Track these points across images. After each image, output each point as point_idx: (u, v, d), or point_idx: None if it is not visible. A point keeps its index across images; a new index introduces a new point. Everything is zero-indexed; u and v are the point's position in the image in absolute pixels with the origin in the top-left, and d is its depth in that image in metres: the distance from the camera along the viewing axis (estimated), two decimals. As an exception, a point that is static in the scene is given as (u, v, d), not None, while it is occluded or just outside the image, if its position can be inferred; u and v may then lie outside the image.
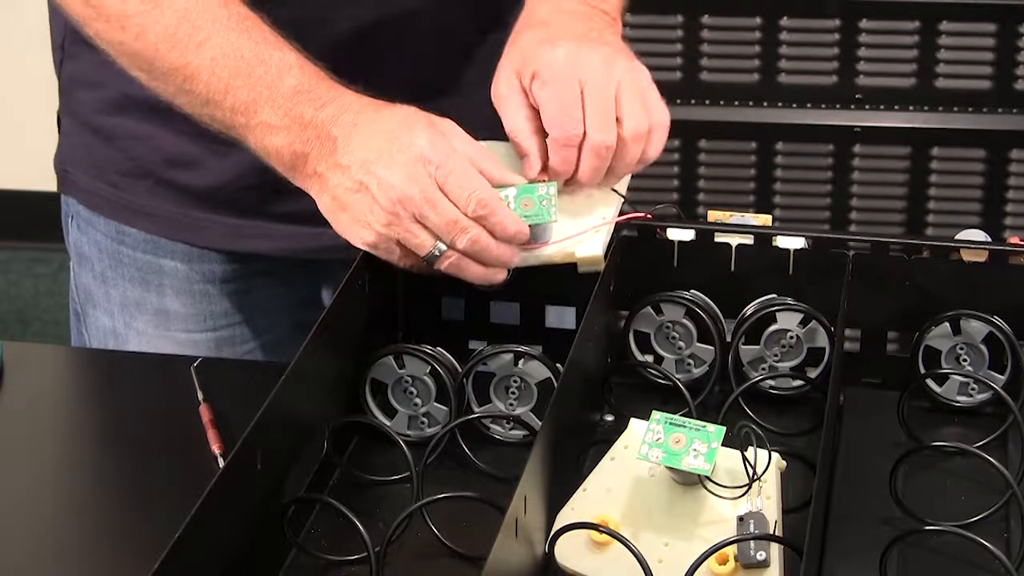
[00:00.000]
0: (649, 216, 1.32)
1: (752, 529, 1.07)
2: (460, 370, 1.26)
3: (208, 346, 1.48)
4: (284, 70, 1.24)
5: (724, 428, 1.09)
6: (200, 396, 1.31)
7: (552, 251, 1.26)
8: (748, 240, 1.31)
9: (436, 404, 1.27)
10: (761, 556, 1.05)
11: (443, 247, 1.21)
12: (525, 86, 1.28)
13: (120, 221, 1.47)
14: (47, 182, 3.78)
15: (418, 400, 1.27)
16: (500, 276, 1.24)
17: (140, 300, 1.48)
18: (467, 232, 1.21)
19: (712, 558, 1.05)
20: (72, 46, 1.43)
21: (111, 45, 1.28)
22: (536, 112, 1.27)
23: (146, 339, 1.48)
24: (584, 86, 1.25)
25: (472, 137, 1.24)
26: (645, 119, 1.27)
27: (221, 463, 1.23)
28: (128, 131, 1.42)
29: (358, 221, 1.21)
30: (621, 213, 1.30)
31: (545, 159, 1.27)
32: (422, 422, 1.27)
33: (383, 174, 1.20)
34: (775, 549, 1.06)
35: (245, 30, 1.25)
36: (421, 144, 1.20)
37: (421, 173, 1.20)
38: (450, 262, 1.22)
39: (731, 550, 1.06)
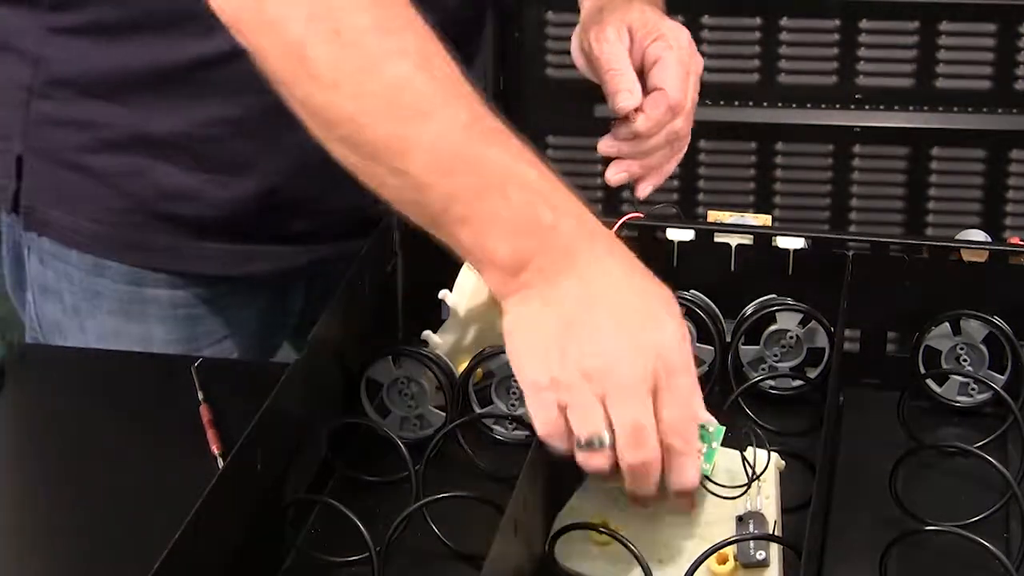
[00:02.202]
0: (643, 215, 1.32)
1: (751, 529, 1.06)
2: (456, 372, 1.26)
3: (202, 351, 1.47)
4: (513, 160, 1.02)
5: (724, 428, 1.09)
6: (200, 396, 1.31)
7: None
8: (748, 240, 1.31)
9: (431, 407, 1.27)
10: (761, 556, 1.05)
11: (607, 439, 1.01)
12: (626, 44, 1.28)
13: (103, 256, 1.43)
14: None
15: (412, 402, 1.27)
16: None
17: (120, 330, 1.46)
18: (644, 448, 1.00)
19: (712, 558, 1.05)
20: (48, 88, 1.37)
21: (317, 108, 1.03)
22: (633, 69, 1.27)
23: None
24: (691, 73, 1.28)
25: None
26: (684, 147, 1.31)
27: (221, 463, 1.23)
28: (122, 168, 1.38)
29: (540, 377, 1.01)
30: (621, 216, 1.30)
31: (641, 102, 1.27)
32: (414, 424, 1.27)
33: (598, 365, 0.99)
34: (774, 549, 1.06)
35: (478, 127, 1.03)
36: (666, 340, 1.01)
37: (647, 364, 1.00)
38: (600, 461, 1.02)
39: (731, 550, 1.06)
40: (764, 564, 1.05)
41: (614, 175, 1.31)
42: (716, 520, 1.09)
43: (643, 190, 1.32)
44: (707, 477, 1.08)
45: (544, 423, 1.01)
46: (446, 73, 1.01)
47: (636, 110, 1.26)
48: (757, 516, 1.07)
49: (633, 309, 1.00)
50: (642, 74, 1.28)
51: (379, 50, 1.00)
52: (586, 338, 0.99)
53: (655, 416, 1.00)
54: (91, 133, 1.38)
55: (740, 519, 1.07)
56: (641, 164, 1.31)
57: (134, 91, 1.34)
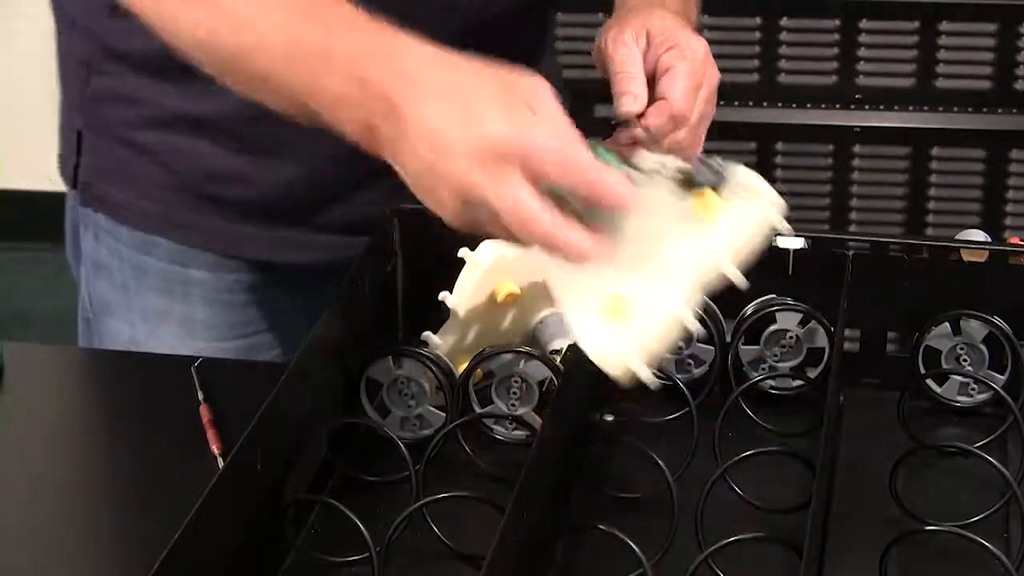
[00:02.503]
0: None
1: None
2: (456, 372, 1.26)
3: (235, 355, 1.47)
4: (349, 31, 1.08)
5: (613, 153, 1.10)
6: (200, 396, 1.31)
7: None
8: (748, 240, 1.31)
9: (430, 407, 1.27)
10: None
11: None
12: (642, 49, 1.27)
13: (152, 233, 1.45)
14: (47, 182, 3.78)
15: (412, 402, 1.27)
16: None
17: (165, 310, 1.47)
18: (531, 222, 1.03)
19: (606, 308, 1.04)
20: (105, 63, 1.40)
21: (170, 23, 1.15)
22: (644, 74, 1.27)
23: (170, 349, 1.47)
24: (702, 86, 1.27)
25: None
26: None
27: (221, 463, 1.23)
28: (169, 146, 1.40)
29: (434, 203, 1.05)
30: None
31: (644, 108, 1.25)
32: (414, 424, 1.27)
33: (447, 150, 1.02)
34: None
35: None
36: (494, 111, 1.02)
37: (509, 175, 1.02)
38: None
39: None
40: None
41: None
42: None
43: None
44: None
45: (466, 227, 1.05)
46: None
47: (639, 116, 1.26)
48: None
49: (466, 103, 1.03)
50: (653, 81, 1.28)
51: None
52: (446, 163, 1.02)
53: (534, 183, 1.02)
54: (140, 110, 1.40)
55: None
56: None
57: (182, 70, 1.34)
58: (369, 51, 1.07)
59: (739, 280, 1.09)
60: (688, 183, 1.11)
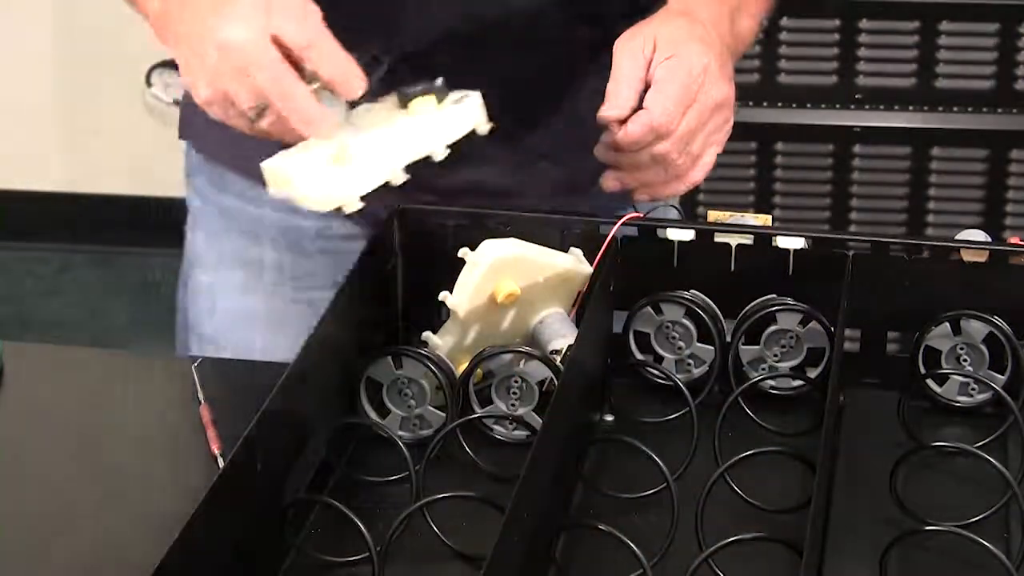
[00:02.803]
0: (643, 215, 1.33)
1: None
2: (456, 372, 1.26)
3: (295, 308, 1.48)
4: None
5: None
6: (200, 396, 1.31)
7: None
8: (748, 240, 1.31)
9: (430, 407, 1.27)
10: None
11: (263, 105, 1.18)
12: (648, 57, 1.27)
13: (223, 164, 1.48)
14: (47, 182, 3.80)
15: (412, 402, 1.27)
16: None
17: (238, 252, 1.50)
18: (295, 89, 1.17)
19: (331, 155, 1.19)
20: None
21: None
22: (645, 77, 1.27)
23: (238, 293, 1.49)
24: (695, 103, 1.27)
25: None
26: (688, 175, 1.30)
27: (221, 463, 1.23)
28: None
29: (195, 76, 1.20)
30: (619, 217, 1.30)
31: (627, 115, 1.26)
32: (415, 424, 1.27)
33: (213, 24, 1.18)
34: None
35: None
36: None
37: (253, 21, 1.17)
38: (273, 121, 1.20)
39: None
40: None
41: (608, 181, 1.32)
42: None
43: (639, 198, 1.32)
44: None
45: (237, 124, 1.21)
46: None
47: (621, 123, 1.26)
48: None
49: (225, 2, 1.18)
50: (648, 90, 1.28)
51: None
52: (208, 41, 1.17)
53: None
54: None
55: None
56: (633, 177, 1.31)
57: None
58: None
59: (440, 152, 1.23)
60: (405, 102, 1.25)
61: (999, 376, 1.28)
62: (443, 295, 1.25)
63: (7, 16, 3.43)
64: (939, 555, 1.12)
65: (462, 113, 1.25)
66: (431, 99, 1.24)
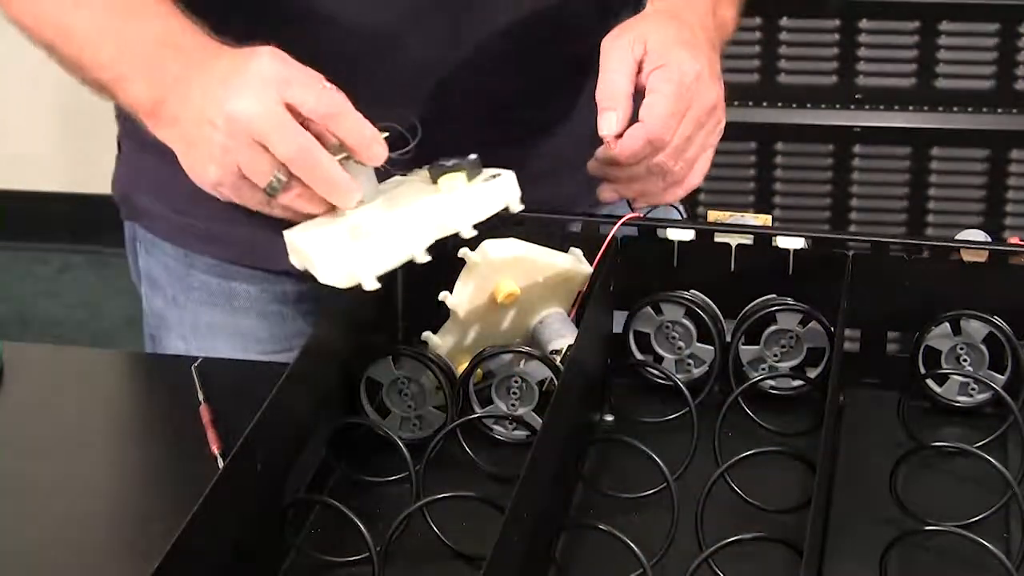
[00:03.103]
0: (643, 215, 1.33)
1: None
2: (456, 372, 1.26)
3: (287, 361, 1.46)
4: (148, 22, 1.21)
5: None
6: (200, 396, 1.31)
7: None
8: (748, 240, 1.31)
9: (430, 408, 1.27)
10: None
11: (283, 178, 1.15)
12: (638, 58, 1.26)
13: (186, 248, 1.44)
14: (48, 182, 3.80)
15: (412, 402, 1.27)
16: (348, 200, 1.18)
17: (213, 323, 1.46)
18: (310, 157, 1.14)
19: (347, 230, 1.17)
20: None
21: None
22: (635, 81, 1.26)
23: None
24: (689, 111, 1.26)
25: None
26: (686, 180, 1.30)
27: (221, 463, 1.23)
28: None
29: (202, 156, 1.16)
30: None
31: (622, 130, 1.26)
32: (414, 424, 1.27)
33: (222, 96, 1.13)
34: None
35: None
36: (264, 63, 1.14)
37: (265, 93, 1.13)
38: (294, 196, 1.17)
39: None
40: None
41: (605, 192, 1.32)
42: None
43: (637, 206, 1.32)
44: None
45: (251, 204, 1.18)
46: None
47: (616, 136, 1.26)
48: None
49: (231, 75, 1.14)
50: (640, 95, 1.27)
51: None
52: (216, 116, 1.13)
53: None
54: None
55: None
56: (630, 188, 1.31)
57: None
58: (164, 39, 1.20)
59: (467, 231, 1.21)
60: (436, 176, 1.23)
61: (999, 376, 1.28)
62: (443, 295, 1.25)
63: (7, 16, 3.43)
64: (939, 555, 1.12)
65: (494, 191, 1.23)
66: (461, 175, 1.22)
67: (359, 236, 1.17)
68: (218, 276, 1.44)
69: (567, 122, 1.41)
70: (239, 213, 1.39)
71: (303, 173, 1.14)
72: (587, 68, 1.31)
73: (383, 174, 1.21)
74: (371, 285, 1.16)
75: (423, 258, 1.19)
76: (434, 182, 1.22)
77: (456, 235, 1.21)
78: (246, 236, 1.40)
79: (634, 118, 1.26)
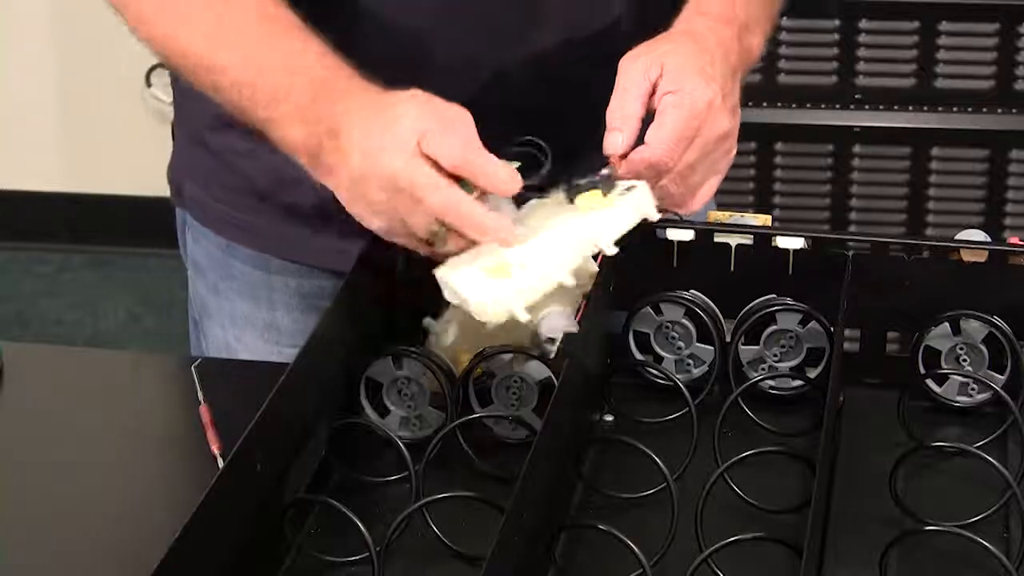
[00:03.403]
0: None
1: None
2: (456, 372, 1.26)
3: None
4: (305, 63, 1.24)
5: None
6: (200, 396, 1.31)
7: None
8: (748, 240, 1.31)
9: (430, 408, 1.27)
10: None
11: (440, 229, 1.19)
12: (652, 80, 1.26)
13: (229, 238, 1.46)
14: (47, 182, 3.80)
15: (412, 403, 1.27)
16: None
17: (250, 315, 1.47)
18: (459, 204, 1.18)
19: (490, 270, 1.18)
20: None
21: (147, 40, 1.30)
22: (647, 103, 1.26)
23: (256, 353, 1.47)
24: (696, 138, 1.26)
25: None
26: (688, 204, 1.29)
27: (221, 463, 1.23)
28: (232, 146, 1.41)
29: (366, 208, 1.20)
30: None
31: (630, 150, 1.26)
32: (414, 424, 1.27)
33: (376, 152, 1.18)
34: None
35: (273, 26, 1.26)
36: (410, 116, 1.18)
37: (408, 148, 1.17)
38: (453, 243, 1.20)
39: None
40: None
41: None
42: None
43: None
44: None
45: (422, 251, 1.22)
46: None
47: (621, 156, 1.26)
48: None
49: (376, 128, 1.19)
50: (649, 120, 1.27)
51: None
52: (371, 173, 1.18)
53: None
54: (208, 108, 1.38)
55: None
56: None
57: None
58: (320, 88, 1.22)
59: (609, 248, 1.22)
60: (572, 196, 1.25)
61: (999, 376, 1.28)
62: (426, 322, 1.26)
63: (7, 16, 3.43)
64: (939, 555, 1.12)
65: (631, 204, 1.23)
66: (597, 193, 1.23)
67: (507, 272, 1.19)
68: (257, 268, 1.46)
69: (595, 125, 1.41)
70: (276, 208, 1.40)
71: (456, 224, 1.18)
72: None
73: (519, 198, 1.23)
74: (524, 317, 1.18)
75: (570, 281, 1.20)
76: (571, 202, 1.24)
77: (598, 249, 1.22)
78: (283, 231, 1.42)
79: (642, 139, 1.25)
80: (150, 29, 1.29)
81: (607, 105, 1.28)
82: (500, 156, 1.20)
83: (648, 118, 1.26)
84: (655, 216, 1.24)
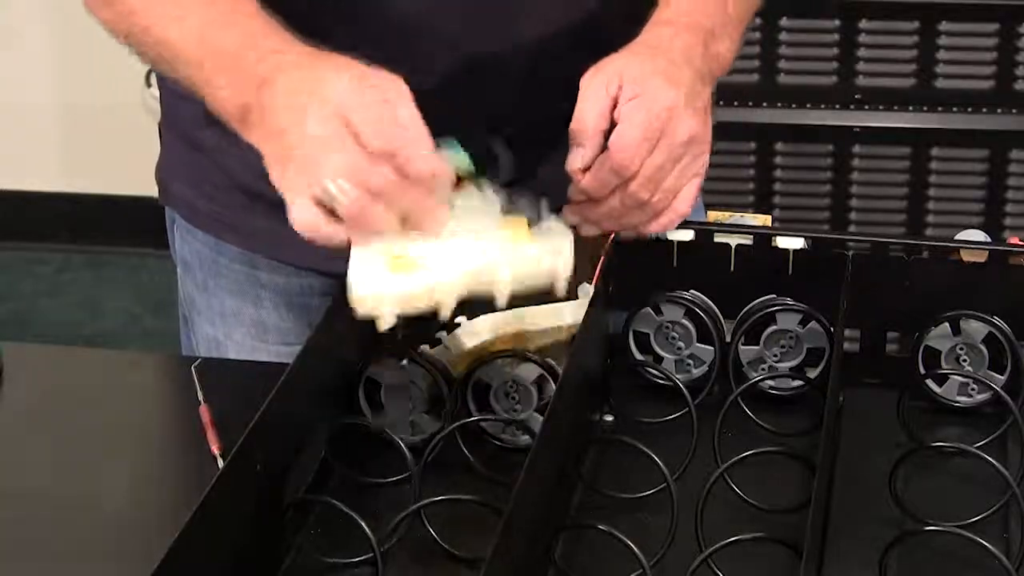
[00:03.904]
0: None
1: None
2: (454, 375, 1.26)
3: None
4: (233, 28, 1.23)
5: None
6: (200, 396, 1.31)
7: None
8: (748, 240, 1.31)
9: (425, 415, 1.26)
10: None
11: (346, 186, 1.14)
12: (612, 94, 1.25)
13: (216, 235, 1.46)
14: (47, 182, 3.80)
15: (410, 404, 1.26)
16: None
17: (238, 311, 1.47)
18: (374, 172, 1.14)
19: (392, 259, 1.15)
20: None
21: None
22: (609, 117, 1.25)
23: (244, 350, 1.47)
24: (661, 140, 1.24)
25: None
26: (671, 208, 1.28)
27: (221, 463, 1.23)
28: (220, 144, 1.40)
29: (287, 190, 1.17)
30: None
31: (591, 163, 1.25)
32: (412, 425, 1.27)
33: (297, 128, 1.15)
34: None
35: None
36: (340, 93, 1.15)
37: (336, 128, 1.14)
38: (359, 208, 1.15)
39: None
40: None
41: (586, 230, 1.30)
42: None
43: (626, 236, 1.31)
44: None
45: (304, 225, 1.17)
46: None
47: (584, 170, 1.25)
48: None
49: (306, 101, 1.15)
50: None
51: None
52: (295, 146, 1.16)
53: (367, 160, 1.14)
54: (197, 105, 1.36)
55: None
56: (614, 223, 1.28)
57: None
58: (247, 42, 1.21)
59: (500, 297, 1.19)
60: (506, 208, 1.22)
61: (998, 376, 1.28)
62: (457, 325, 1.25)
63: (7, 16, 3.43)
64: (939, 555, 1.12)
65: (546, 249, 1.20)
66: (523, 221, 1.21)
67: (398, 267, 1.16)
68: (245, 265, 1.46)
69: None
70: (264, 206, 1.40)
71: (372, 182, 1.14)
72: None
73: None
74: (386, 325, 1.14)
75: (446, 312, 1.16)
76: (504, 213, 1.22)
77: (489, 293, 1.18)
78: (271, 229, 1.42)
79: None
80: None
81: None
82: (466, 147, 1.19)
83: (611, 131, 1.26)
84: (564, 275, 1.20)
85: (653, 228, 1.29)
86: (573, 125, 1.25)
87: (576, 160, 1.25)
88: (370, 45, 1.22)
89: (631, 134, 1.23)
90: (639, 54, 1.28)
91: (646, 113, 1.23)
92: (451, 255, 1.17)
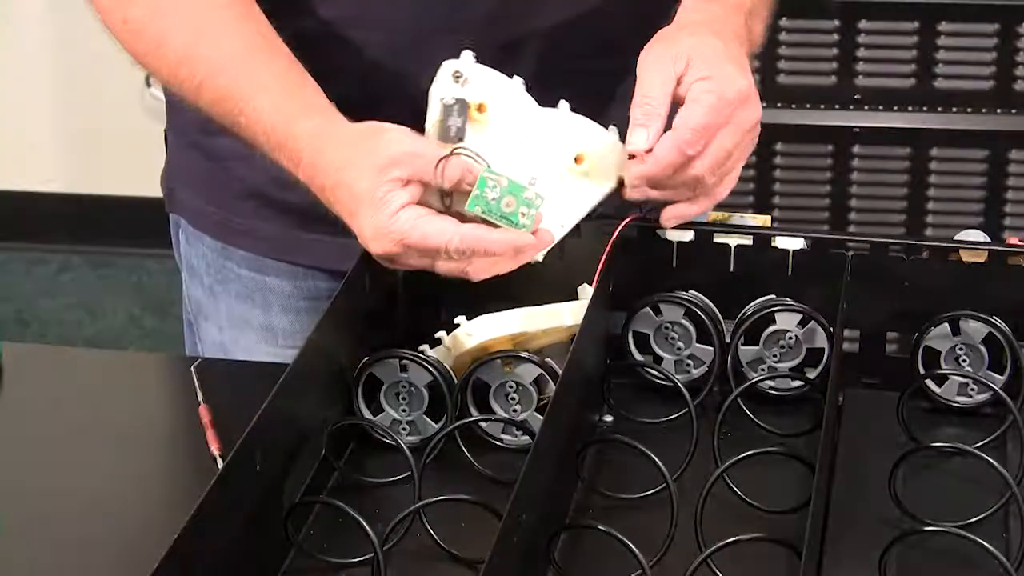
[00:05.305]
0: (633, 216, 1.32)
1: None
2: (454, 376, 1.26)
3: None
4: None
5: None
6: (200, 396, 1.31)
7: None
8: (747, 240, 1.31)
9: (424, 416, 1.26)
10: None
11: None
12: (678, 74, 1.24)
13: (224, 241, 1.46)
14: (47, 182, 3.80)
15: (407, 407, 1.26)
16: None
17: (246, 316, 1.47)
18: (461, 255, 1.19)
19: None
20: None
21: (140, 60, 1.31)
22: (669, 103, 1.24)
23: (253, 354, 1.47)
24: (730, 125, 1.24)
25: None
26: (717, 192, 1.28)
27: (221, 463, 1.23)
28: (232, 151, 1.38)
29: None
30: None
31: (652, 146, 1.23)
32: (403, 428, 1.27)
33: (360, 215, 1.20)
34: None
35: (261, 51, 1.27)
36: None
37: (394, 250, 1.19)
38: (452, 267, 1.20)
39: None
40: None
41: (632, 192, 1.29)
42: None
43: (667, 222, 1.30)
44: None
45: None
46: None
47: (647, 151, 1.23)
48: None
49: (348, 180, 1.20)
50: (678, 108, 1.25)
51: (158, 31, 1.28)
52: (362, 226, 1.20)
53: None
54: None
55: None
56: (660, 193, 1.28)
57: None
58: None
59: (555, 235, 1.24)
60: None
61: (998, 376, 1.29)
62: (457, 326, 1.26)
63: (7, 16, 3.43)
64: (939, 555, 1.12)
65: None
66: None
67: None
68: (253, 270, 1.46)
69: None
70: (270, 211, 1.40)
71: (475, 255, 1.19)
72: (622, 77, 1.31)
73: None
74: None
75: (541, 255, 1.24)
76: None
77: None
78: (278, 232, 1.42)
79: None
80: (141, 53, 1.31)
81: (599, 94, 1.27)
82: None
83: (675, 110, 1.25)
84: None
85: (693, 210, 1.28)
86: (636, 103, 1.23)
87: (640, 141, 1.23)
88: (381, 44, 1.23)
89: (700, 117, 1.22)
90: (699, 34, 1.27)
91: (718, 98, 1.23)
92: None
